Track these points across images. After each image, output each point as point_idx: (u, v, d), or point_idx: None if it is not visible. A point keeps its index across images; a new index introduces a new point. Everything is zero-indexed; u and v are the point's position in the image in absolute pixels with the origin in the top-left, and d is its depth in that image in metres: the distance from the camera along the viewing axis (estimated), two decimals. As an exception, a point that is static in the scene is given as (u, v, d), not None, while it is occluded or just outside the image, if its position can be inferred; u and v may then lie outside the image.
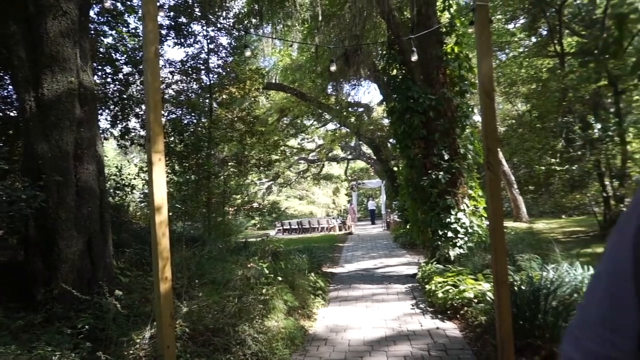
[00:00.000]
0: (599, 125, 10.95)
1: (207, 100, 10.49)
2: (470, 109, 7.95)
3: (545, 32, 14.60)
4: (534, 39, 15.97)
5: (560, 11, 12.52)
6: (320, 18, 9.64)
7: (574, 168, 11.83)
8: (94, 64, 7.31)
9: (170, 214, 8.08)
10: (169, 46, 12.71)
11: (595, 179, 11.71)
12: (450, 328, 5.07)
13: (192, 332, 3.87)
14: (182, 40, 9.57)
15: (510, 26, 16.47)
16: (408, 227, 11.48)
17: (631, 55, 8.40)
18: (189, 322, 3.93)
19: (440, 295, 5.74)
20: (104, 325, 3.56)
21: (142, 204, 9.46)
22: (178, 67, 9.95)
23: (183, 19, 9.54)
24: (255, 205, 13.85)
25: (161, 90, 9.27)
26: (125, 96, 8.40)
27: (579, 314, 0.72)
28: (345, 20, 9.43)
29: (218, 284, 5.47)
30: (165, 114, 9.83)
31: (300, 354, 4.52)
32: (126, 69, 8.48)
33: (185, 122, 9.83)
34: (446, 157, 7.52)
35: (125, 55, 8.47)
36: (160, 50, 9.63)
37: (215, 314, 4.37)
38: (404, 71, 8.06)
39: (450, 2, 8.08)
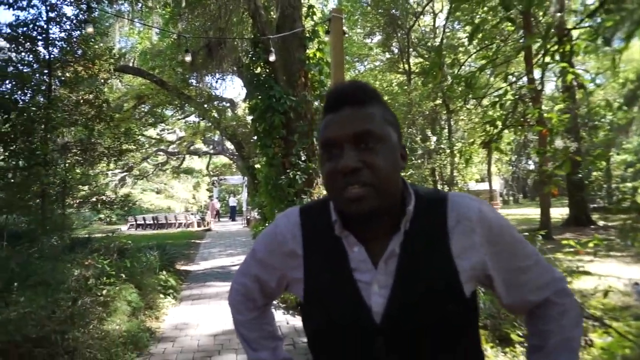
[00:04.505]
0: (434, 138, 12.68)
1: (44, 77, 9.08)
2: (328, 114, 8.41)
3: (396, 51, 16.30)
4: (388, 55, 17.70)
5: (409, 34, 14.12)
6: (183, 4, 9.16)
7: (414, 174, 13.48)
8: None
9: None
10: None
11: (431, 184, 13.50)
12: (301, 323, 5.30)
13: (5, 345, 3.33)
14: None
15: (368, 40, 17.94)
16: (267, 224, 11.65)
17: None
18: (1, 334, 3.37)
19: (292, 291, 5.95)
20: None
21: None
22: (5, 32, 8.41)
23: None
24: (104, 198, 12.48)
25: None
26: None
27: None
28: (210, 11, 9.13)
29: (48, 286, 4.80)
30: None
31: (144, 358, 4.25)
32: None
33: (14, 98, 8.35)
34: (304, 157, 7.86)
35: None
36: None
37: (40, 321, 3.82)
38: (268, 70, 8.18)
39: (315, 10, 8.46)
